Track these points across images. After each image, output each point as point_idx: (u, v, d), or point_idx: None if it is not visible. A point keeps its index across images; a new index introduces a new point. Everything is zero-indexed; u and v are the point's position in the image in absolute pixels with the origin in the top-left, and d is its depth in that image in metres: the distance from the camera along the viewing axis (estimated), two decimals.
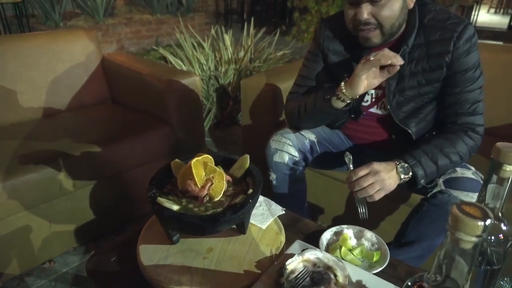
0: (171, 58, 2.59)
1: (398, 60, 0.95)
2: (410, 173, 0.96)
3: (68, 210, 1.43)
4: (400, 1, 0.98)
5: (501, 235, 0.50)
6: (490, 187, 0.49)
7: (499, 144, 0.46)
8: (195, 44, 2.68)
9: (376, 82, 1.01)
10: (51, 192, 1.35)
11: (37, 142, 1.49)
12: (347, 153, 1.03)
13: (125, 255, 0.79)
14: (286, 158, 1.16)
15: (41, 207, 1.35)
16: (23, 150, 1.41)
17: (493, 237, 0.50)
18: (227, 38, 2.66)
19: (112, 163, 1.49)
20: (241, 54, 2.63)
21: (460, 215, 0.33)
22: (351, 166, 0.94)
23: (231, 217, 0.67)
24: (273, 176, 1.21)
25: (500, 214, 0.50)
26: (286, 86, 1.59)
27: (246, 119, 1.82)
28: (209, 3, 7.27)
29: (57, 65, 1.81)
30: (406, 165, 0.95)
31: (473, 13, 6.23)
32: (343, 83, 1.04)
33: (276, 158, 1.17)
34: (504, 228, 0.50)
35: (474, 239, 0.34)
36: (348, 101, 1.05)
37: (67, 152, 1.39)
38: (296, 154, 1.17)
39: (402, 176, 0.96)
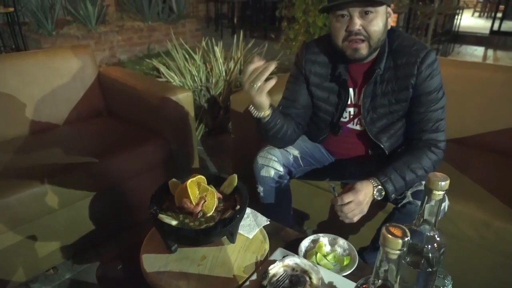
0: (163, 70, 2.70)
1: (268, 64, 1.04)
2: (383, 193, 1.09)
3: (69, 220, 1.51)
4: (384, 20, 1.10)
5: (435, 244, 0.63)
6: (427, 206, 0.62)
7: (430, 174, 0.59)
8: (187, 56, 2.78)
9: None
10: (53, 204, 1.45)
11: (37, 156, 1.57)
12: (331, 183, 1.15)
13: (129, 263, 0.91)
14: (272, 172, 1.28)
15: (45, 218, 1.44)
16: (25, 163, 1.49)
17: (429, 246, 0.63)
18: (218, 50, 2.77)
19: (110, 175, 1.58)
20: (231, 64, 2.74)
21: (386, 235, 0.46)
22: (335, 193, 1.06)
23: (222, 230, 0.79)
24: (260, 189, 1.32)
25: (435, 228, 0.62)
26: (272, 100, 1.70)
27: (236, 131, 1.94)
28: (199, 8, 7.38)
29: (55, 80, 1.89)
30: (380, 186, 1.08)
31: (456, 17, 6.41)
32: (251, 106, 1.15)
33: (263, 172, 1.29)
34: (438, 238, 0.63)
35: (397, 252, 0.46)
36: (260, 115, 1.16)
37: (67, 165, 1.47)
38: (281, 168, 1.29)
39: (376, 198, 1.09)
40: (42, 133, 1.81)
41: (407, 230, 0.46)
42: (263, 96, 1.08)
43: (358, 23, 1.07)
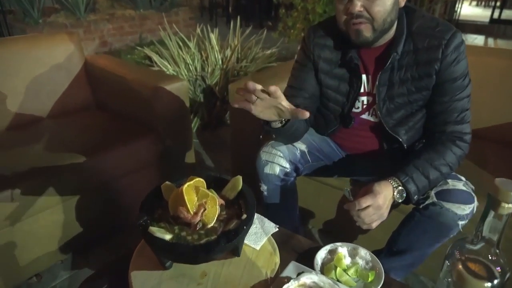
0: (156, 58, 2.54)
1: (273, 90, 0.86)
2: (404, 195, 0.96)
3: (54, 223, 1.39)
4: None
5: (499, 268, 0.50)
6: (488, 221, 0.49)
7: (497, 181, 0.46)
8: (181, 44, 2.62)
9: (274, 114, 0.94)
10: (35, 206, 1.31)
11: (18, 152, 1.44)
12: (346, 187, 1.00)
13: (116, 282, 0.77)
14: (277, 169, 1.15)
15: (26, 222, 1.31)
16: (3, 161, 1.36)
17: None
18: (213, 37, 2.62)
19: (98, 173, 1.45)
20: (228, 52, 2.59)
21: (466, 275, 0.32)
22: (351, 198, 0.93)
23: (226, 246, 0.66)
24: (264, 188, 1.20)
25: (498, 249, 0.50)
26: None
27: (235, 123, 1.80)
28: None
29: (38, 70, 1.75)
30: (401, 187, 0.95)
31: (457, 5, 6.30)
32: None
33: (267, 170, 1.16)
34: (501, 261, 0.50)
35: None
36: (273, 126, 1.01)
37: (51, 163, 1.34)
38: (287, 165, 1.16)
39: (397, 201, 0.96)
40: (23, 127, 1.67)
41: (492, 267, 0.33)
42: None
43: (358, 4, 0.94)
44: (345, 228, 1.61)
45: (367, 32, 0.99)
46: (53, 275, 1.43)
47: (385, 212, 0.93)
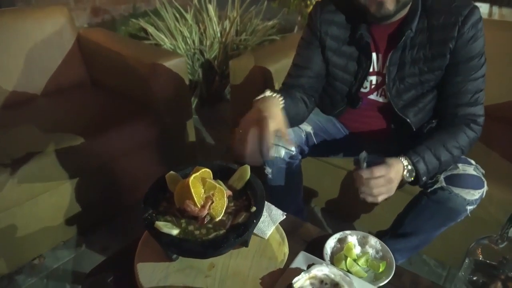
0: (152, 31, 2.43)
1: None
2: (414, 174, 0.93)
3: (54, 205, 1.37)
4: None
5: None
6: None
7: None
8: (177, 16, 2.51)
9: None
10: (34, 189, 1.28)
11: (14, 133, 1.40)
12: (363, 153, 0.93)
13: (121, 274, 0.76)
14: (282, 152, 1.12)
15: (25, 205, 1.29)
16: None
17: None
18: (211, 8, 2.50)
19: (96, 154, 1.41)
20: (226, 24, 2.49)
21: None
22: (364, 165, 0.87)
23: (235, 241, 0.63)
24: (268, 170, 1.17)
25: None
26: (276, 67, 1.52)
27: (235, 99, 1.75)
28: None
29: (27, 46, 1.66)
30: (411, 167, 0.91)
31: None
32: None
33: (272, 152, 1.12)
34: None
35: None
36: None
37: (47, 144, 1.30)
38: (292, 148, 1.13)
39: (406, 180, 0.92)
40: (18, 106, 1.61)
41: None
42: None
43: None
44: (348, 207, 1.61)
45: (390, 4, 0.92)
46: (56, 257, 1.43)
47: (394, 187, 0.89)
